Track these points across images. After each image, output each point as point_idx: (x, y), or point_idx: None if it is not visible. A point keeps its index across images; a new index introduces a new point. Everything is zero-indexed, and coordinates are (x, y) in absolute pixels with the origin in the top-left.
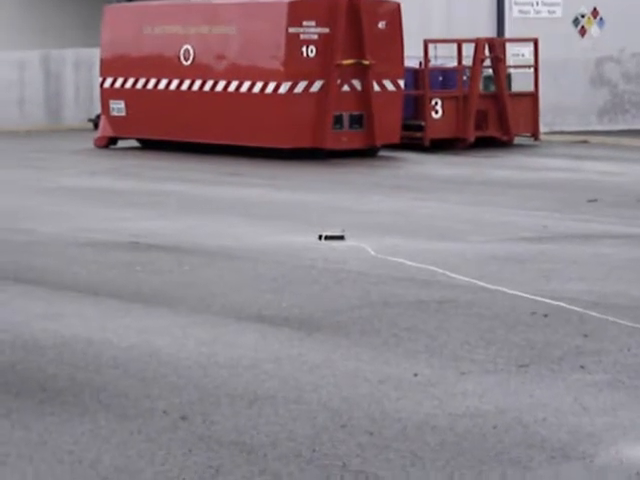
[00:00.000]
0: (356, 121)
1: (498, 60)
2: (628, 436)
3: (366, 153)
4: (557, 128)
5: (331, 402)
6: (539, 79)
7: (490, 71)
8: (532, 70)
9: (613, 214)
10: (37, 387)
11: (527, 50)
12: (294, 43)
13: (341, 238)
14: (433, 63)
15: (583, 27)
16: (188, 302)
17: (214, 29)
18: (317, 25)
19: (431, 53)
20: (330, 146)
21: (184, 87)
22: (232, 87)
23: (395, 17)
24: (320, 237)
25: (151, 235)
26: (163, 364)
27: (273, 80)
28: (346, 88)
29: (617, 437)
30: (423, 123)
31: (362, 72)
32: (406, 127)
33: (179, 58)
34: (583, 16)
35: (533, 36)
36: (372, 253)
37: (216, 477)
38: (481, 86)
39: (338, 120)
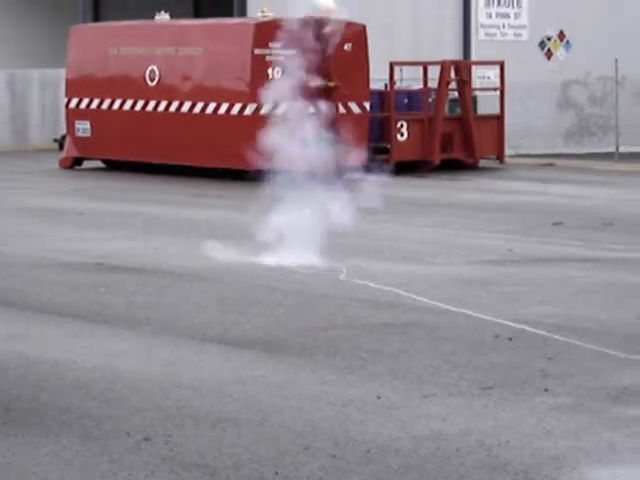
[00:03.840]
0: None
1: (464, 83)
2: (591, 459)
3: (331, 175)
4: (523, 151)
5: (294, 424)
6: (505, 102)
7: (456, 93)
8: (498, 93)
9: (578, 237)
10: (0, 408)
11: (493, 73)
12: (260, 64)
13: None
14: (399, 85)
15: (549, 50)
16: (152, 323)
17: (180, 50)
18: (283, 47)
19: (397, 75)
20: (294, 168)
21: (149, 108)
22: (198, 108)
23: (361, 39)
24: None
25: (116, 256)
26: (127, 385)
27: (239, 101)
28: (312, 110)
29: (580, 460)
30: (388, 145)
31: (328, 94)
32: (372, 149)
33: (145, 79)
34: (549, 39)
35: (499, 59)
36: (341, 276)
37: None
38: (447, 108)
39: (303, 142)
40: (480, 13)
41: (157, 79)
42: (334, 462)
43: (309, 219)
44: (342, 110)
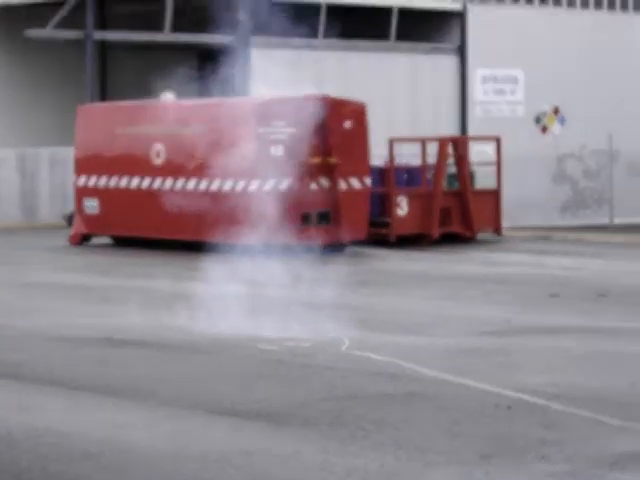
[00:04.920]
0: (323, 218)
1: (461, 158)
2: None
3: (334, 249)
4: (520, 224)
5: None
6: (502, 176)
7: (454, 169)
8: (495, 167)
9: (574, 308)
10: (11, 479)
11: (490, 148)
12: (263, 142)
13: None
14: (398, 161)
15: (544, 125)
16: (159, 396)
17: (184, 129)
18: (285, 125)
19: (396, 151)
20: (298, 242)
21: (156, 185)
22: (203, 185)
23: (361, 117)
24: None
25: (124, 331)
26: (135, 457)
27: (242, 179)
28: (314, 186)
29: None
30: (389, 220)
31: (329, 170)
32: (373, 224)
33: (150, 157)
34: (545, 114)
35: (496, 134)
36: (343, 348)
37: None
38: (445, 183)
39: (306, 217)
40: (477, 90)
41: (163, 157)
42: None
43: (312, 292)
44: (343, 186)
